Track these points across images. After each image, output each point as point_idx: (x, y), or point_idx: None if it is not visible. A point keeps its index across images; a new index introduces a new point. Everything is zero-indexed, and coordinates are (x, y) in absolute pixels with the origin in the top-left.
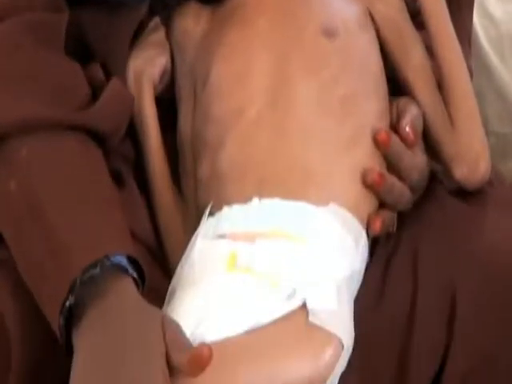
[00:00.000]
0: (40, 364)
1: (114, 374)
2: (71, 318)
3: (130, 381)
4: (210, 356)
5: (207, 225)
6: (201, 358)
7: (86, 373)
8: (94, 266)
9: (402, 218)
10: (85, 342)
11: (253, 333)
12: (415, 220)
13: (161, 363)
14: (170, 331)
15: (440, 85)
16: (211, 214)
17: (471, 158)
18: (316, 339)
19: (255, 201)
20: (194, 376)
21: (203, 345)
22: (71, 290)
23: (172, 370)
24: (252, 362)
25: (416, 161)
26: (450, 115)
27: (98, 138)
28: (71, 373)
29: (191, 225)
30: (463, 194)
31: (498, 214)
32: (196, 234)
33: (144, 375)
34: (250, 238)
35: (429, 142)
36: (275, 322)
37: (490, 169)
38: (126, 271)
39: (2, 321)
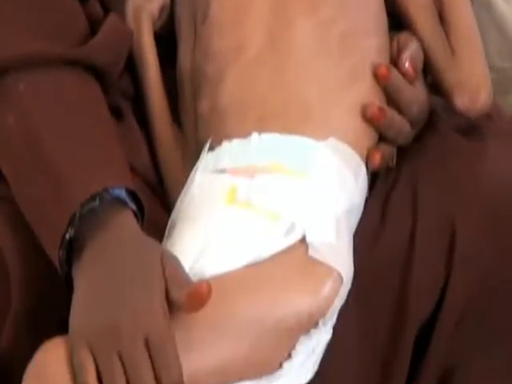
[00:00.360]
0: (40, 299)
1: (114, 309)
2: (71, 251)
3: (129, 316)
4: (209, 292)
5: (207, 159)
6: (200, 294)
7: (86, 306)
8: (93, 199)
9: (402, 152)
10: (84, 276)
11: (252, 267)
12: (415, 154)
13: (160, 299)
14: (170, 266)
15: (441, 15)
16: (211, 148)
17: (472, 87)
18: (315, 273)
19: (255, 136)
20: (193, 312)
21: (202, 281)
22: (71, 223)
23: (171, 305)
24: (251, 295)
25: (416, 94)
26: (450, 45)
27: (97, 73)
28: (71, 306)
29: (191, 160)
30: (463, 127)
31: (497, 148)
32: (195, 168)
33: (144, 310)
34: (250, 172)
35: (430, 72)
36: (274, 257)
37: (491, 98)
38: (125, 204)
39: (2, 256)
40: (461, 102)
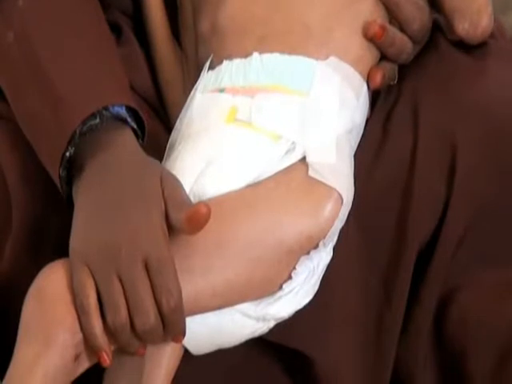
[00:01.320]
0: (41, 220)
1: (113, 229)
2: (71, 170)
3: (128, 236)
4: (208, 214)
5: (207, 78)
6: (198, 216)
7: (85, 227)
8: (93, 116)
9: (404, 70)
10: (84, 198)
11: (252, 187)
12: (416, 72)
13: (160, 220)
14: (169, 187)
15: None
16: (211, 67)
17: (473, 12)
18: (315, 193)
19: (255, 55)
20: (192, 234)
21: (201, 202)
22: (71, 141)
23: (171, 227)
24: (251, 216)
25: (417, 11)
26: None
27: None
28: (72, 228)
29: (191, 78)
30: (465, 45)
31: (498, 66)
32: (195, 87)
33: (143, 231)
34: (250, 92)
35: None
36: (274, 177)
37: (492, 23)
38: (125, 122)
39: (2, 175)
40: (461, 27)
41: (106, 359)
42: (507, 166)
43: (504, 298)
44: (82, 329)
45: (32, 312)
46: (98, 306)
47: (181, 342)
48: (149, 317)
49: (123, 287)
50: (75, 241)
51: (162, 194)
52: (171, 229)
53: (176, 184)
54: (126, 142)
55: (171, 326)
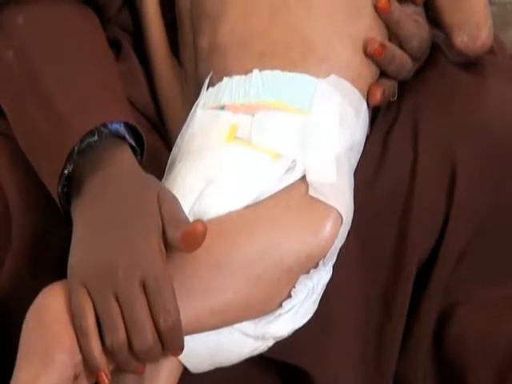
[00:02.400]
0: (40, 237)
1: (111, 248)
2: (70, 187)
3: (125, 255)
4: (205, 232)
5: (207, 95)
6: (195, 234)
7: (83, 247)
8: (91, 134)
9: (404, 86)
10: (82, 217)
11: (252, 207)
12: (416, 89)
13: (157, 239)
14: (166, 204)
15: None
16: (211, 84)
17: (472, 25)
18: (315, 212)
19: (255, 72)
20: (189, 252)
21: (198, 221)
22: (69, 159)
23: (167, 245)
24: (251, 235)
25: (417, 29)
26: None
27: (96, 7)
28: (70, 247)
29: (190, 96)
30: (465, 63)
31: (498, 83)
32: (196, 103)
33: (140, 250)
34: (250, 109)
35: (430, 10)
36: (275, 196)
37: (492, 36)
38: (123, 139)
39: (3, 192)
40: (460, 40)
41: (105, 379)
42: (506, 182)
43: (503, 314)
44: (80, 350)
45: (32, 332)
46: (96, 328)
47: (179, 355)
48: (147, 336)
49: (121, 307)
50: (73, 260)
51: (159, 211)
52: (170, 247)
53: (173, 201)
54: (123, 159)
55: (169, 344)
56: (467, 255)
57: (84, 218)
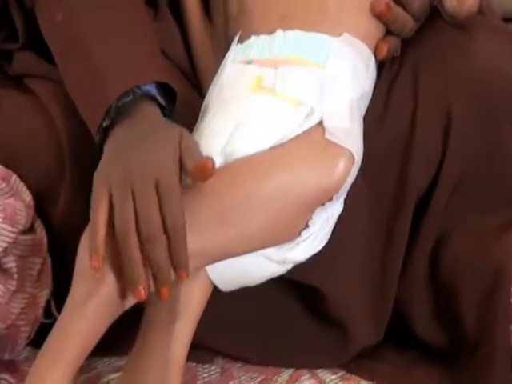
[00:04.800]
0: (90, 169)
1: (131, 156)
2: (107, 136)
3: (143, 161)
4: (213, 168)
5: (236, 50)
6: (205, 168)
7: (108, 159)
8: (126, 94)
9: (406, 44)
10: (111, 142)
11: (276, 148)
12: (417, 45)
13: (173, 154)
14: (186, 141)
15: None
16: (240, 41)
17: None
18: (331, 153)
19: (279, 32)
20: (200, 181)
21: (208, 157)
22: (107, 114)
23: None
24: (274, 172)
25: None
26: None
27: None
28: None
29: (220, 51)
30: (459, 23)
31: (487, 39)
32: (226, 57)
33: (156, 158)
34: (274, 63)
35: None
36: (295, 139)
37: (478, 2)
38: (154, 99)
39: (56, 131)
40: (449, 4)
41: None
42: (493, 124)
43: (491, 241)
44: (90, 236)
45: (84, 256)
46: (106, 220)
47: (184, 278)
48: (154, 222)
49: (134, 203)
50: (99, 168)
51: (178, 143)
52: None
53: (192, 140)
54: (151, 115)
55: (175, 243)
56: (460, 190)
57: (111, 143)
